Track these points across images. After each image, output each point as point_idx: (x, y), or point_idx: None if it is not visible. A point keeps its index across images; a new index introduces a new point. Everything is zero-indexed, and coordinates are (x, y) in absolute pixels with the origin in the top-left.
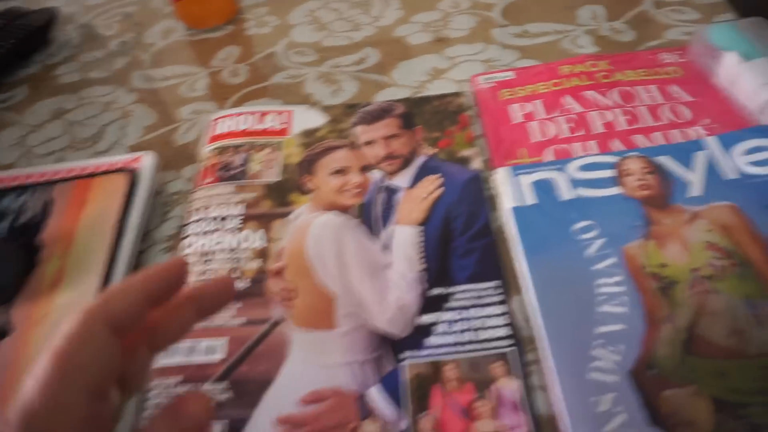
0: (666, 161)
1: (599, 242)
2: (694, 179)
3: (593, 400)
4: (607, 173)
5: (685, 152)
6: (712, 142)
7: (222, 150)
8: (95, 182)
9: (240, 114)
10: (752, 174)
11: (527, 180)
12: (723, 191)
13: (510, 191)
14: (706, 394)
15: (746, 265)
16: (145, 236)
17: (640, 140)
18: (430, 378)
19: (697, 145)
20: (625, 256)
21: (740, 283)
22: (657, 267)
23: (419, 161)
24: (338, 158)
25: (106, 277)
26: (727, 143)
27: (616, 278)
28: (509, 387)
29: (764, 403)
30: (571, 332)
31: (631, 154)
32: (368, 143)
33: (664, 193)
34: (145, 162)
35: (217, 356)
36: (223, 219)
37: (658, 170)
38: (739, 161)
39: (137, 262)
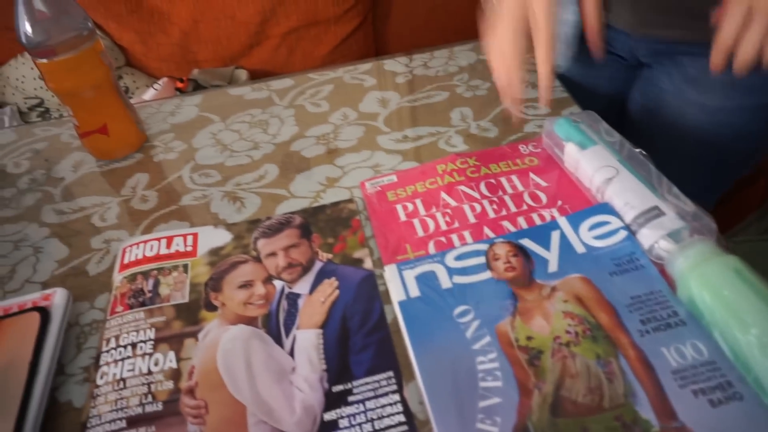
0: (527, 243)
1: (475, 324)
2: (551, 257)
3: None
4: (479, 260)
5: (542, 233)
6: (563, 222)
7: (132, 278)
8: (6, 324)
9: (147, 240)
10: (597, 247)
11: (411, 274)
12: (575, 264)
13: (397, 286)
14: None
15: (597, 328)
16: (61, 369)
17: (507, 226)
18: None
19: (551, 226)
20: (497, 334)
21: (593, 345)
22: (525, 340)
23: (317, 267)
24: (243, 273)
25: (18, 418)
26: (575, 222)
27: (491, 355)
28: None
29: None
30: (456, 410)
31: (497, 240)
32: (270, 255)
33: (527, 272)
34: (57, 298)
35: None
36: (134, 345)
37: (521, 252)
38: (585, 237)
39: (51, 398)
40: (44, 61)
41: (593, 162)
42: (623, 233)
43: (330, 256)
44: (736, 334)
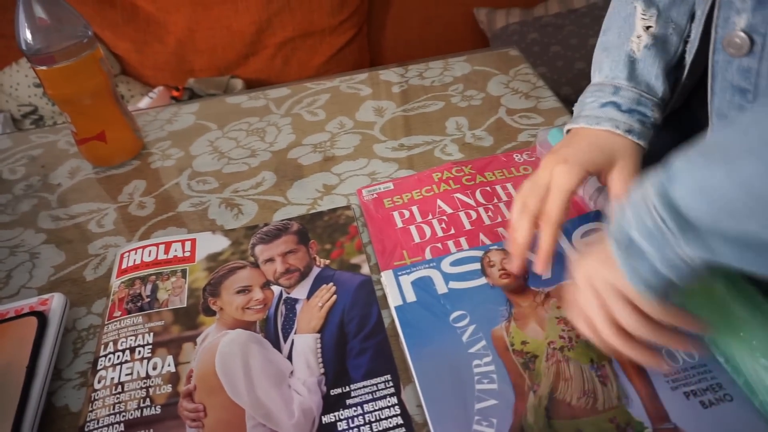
0: None
1: (471, 328)
2: None
3: None
4: (474, 266)
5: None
6: None
7: (130, 283)
8: (3, 328)
9: (146, 246)
10: None
11: (407, 280)
12: (568, 271)
13: (394, 291)
14: None
15: None
16: (58, 374)
17: (502, 233)
18: None
19: None
20: (493, 338)
21: (586, 349)
22: (520, 344)
23: (315, 273)
24: (241, 278)
25: (16, 421)
26: (568, 230)
27: (486, 359)
28: None
29: None
30: (453, 412)
31: (492, 247)
32: (268, 261)
33: (521, 279)
34: (54, 303)
35: None
36: (132, 350)
37: None
38: (578, 244)
39: (48, 402)
40: (44, 68)
41: None
42: None
43: (327, 261)
44: (728, 338)
